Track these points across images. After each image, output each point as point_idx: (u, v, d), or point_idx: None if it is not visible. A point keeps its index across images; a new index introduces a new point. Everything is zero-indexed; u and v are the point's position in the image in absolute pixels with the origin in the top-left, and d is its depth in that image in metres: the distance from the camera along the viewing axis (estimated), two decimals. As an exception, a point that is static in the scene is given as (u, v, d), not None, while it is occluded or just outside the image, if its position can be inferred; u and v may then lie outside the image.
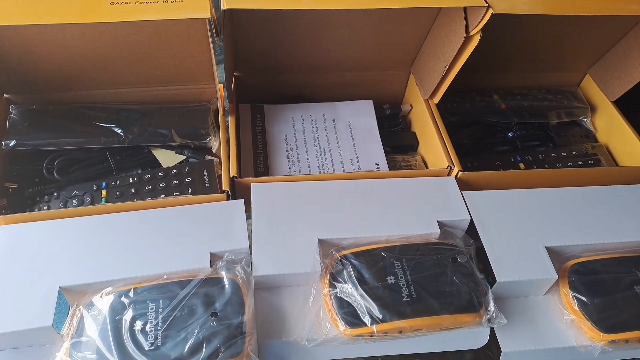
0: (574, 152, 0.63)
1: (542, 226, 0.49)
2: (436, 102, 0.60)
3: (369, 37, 0.58)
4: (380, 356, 0.49)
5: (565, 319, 0.44)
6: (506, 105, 0.66)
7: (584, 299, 0.44)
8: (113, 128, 0.55)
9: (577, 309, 0.44)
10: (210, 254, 0.44)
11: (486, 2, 0.46)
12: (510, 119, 0.65)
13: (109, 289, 0.41)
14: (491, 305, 0.43)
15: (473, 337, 0.45)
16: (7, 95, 0.56)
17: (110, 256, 0.43)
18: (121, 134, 0.55)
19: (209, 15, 0.40)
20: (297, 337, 0.42)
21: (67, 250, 0.43)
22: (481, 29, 0.48)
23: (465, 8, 0.49)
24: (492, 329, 0.44)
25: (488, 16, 0.46)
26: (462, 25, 0.49)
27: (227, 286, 0.42)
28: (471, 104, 0.65)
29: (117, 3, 0.40)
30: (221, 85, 0.59)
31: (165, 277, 0.42)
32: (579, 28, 0.61)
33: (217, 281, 0.42)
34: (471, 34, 0.49)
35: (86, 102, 0.58)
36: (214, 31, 0.43)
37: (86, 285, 0.42)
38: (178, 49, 0.53)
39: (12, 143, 0.52)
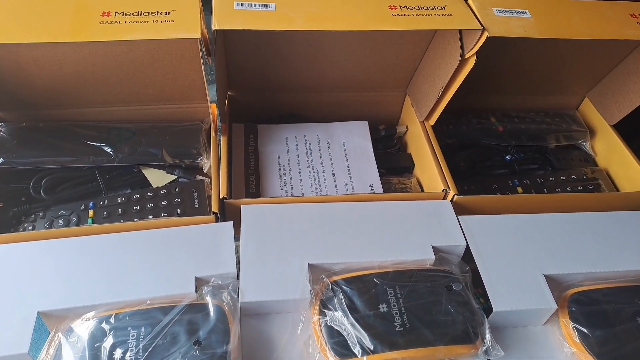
0: (573, 177, 0.62)
1: (540, 253, 0.47)
2: (432, 124, 0.60)
3: (363, 57, 0.58)
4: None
5: (566, 352, 0.43)
6: (503, 128, 0.65)
7: (585, 330, 0.42)
8: (103, 147, 0.54)
9: (578, 341, 0.42)
10: (196, 278, 0.42)
11: (481, 25, 0.45)
12: (508, 141, 0.64)
13: (90, 314, 0.40)
14: (487, 336, 0.41)
15: (469, 369, 0.43)
16: (-3, 113, 0.55)
17: (93, 280, 0.42)
18: (111, 152, 0.54)
19: (199, 36, 0.39)
20: (285, 366, 0.40)
21: (49, 273, 0.42)
22: (477, 52, 0.47)
23: (460, 31, 0.48)
24: (489, 361, 0.42)
25: (483, 39, 0.45)
26: (458, 47, 0.49)
27: (212, 313, 0.40)
28: (468, 126, 0.64)
29: (107, 22, 0.40)
30: (213, 105, 0.58)
31: (149, 302, 0.41)
32: (577, 51, 0.61)
33: (201, 307, 0.40)
34: (466, 56, 0.48)
35: (78, 120, 0.58)
36: (204, 51, 0.43)
37: (66, 310, 0.40)
38: (170, 68, 0.52)
39: (0, 161, 0.51)
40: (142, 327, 0.39)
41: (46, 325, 0.40)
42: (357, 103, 0.65)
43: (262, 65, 0.57)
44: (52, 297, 0.40)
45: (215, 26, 0.40)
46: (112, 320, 0.39)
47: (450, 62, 0.50)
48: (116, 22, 0.40)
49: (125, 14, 0.40)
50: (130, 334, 0.38)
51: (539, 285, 0.44)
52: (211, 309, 0.40)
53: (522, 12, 0.47)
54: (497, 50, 0.58)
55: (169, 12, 0.41)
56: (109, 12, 0.40)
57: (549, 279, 0.45)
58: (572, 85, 0.67)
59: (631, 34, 0.47)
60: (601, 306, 0.44)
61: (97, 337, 0.38)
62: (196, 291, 0.42)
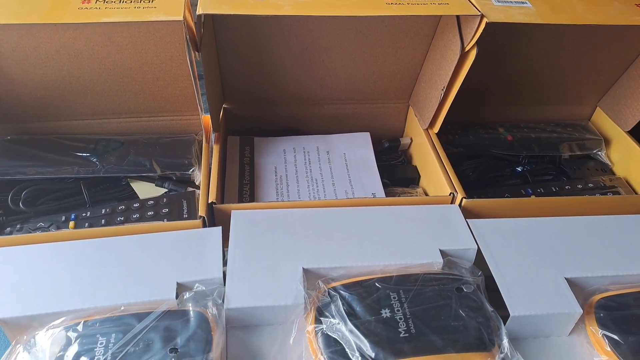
0: (591, 185, 0.58)
1: (560, 256, 0.42)
2: (436, 132, 0.57)
3: (362, 63, 0.56)
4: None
5: (596, 361, 0.37)
6: (513, 137, 0.62)
7: (616, 337, 0.37)
8: (88, 157, 0.52)
9: (609, 349, 0.37)
10: (178, 284, 0.38)
11: (480, 12, 0.43)
12: (518, 151, 0.61)
13: (55, 322, 0.36)
14: (505, 342, 0.36)
15: (487, 385, 0.37)
16: (-19, 126, 0.54)
17: (63, 286, 0.38)
18: (97, 163, 0.51)
19: (181, 18, 0.38)
20: (274, 382, 0.35)
21: (15, 279, 0.38)
22: (477, 43, 0.45)
23: (459, 23, 0.46)
24: (510, 376, 0.37)
25: (482, 26, 0.43)
26: (457, 41, 0.46)
27: (192, 319, 0.36)
28: (475, 135, 0.61)
29: (87, 8, 0.38)
30: (207, 117, 0.56)
31: (122, 308, 0.36)
32: (583, 56, 0.58)
33: (181, 314, 0.36)
34: (467, 48, 0.46)
35: (67, 133, 0.56)
36: (190, 43, 0.41)
37: (30, 317, 0.36)
38: (160, 73, 0.50)
39: (-22, 172, 0.49)
40: (113, 335, 0.34)
41: (7, 335, 0.36)
42: (358, 116, 0.63)
43: (257, 72, 0.56)
44: (15, 304, 0.36)
45: (200, 11, 0.39)
46: (79, 328, 0.35)
47: (450, 58, 0.48)
48: (96, 8, 0.38)
49: (107, 2, 0.39)
50: (99, 342, 0.34)
51: (561, 289, 0.40)
52: (192, 315, 0.36)
53: (522, 3, 0.45)
54: (502, 58, 0.57)
55: (152, 0, 0.40)
56: (89, 0, 0.39)
57: (572, 283, 0.40)
58: (582, 94, 0.64)
59: (638, 20, 0.45)
60: (632, 311, 0.39)
61: (60, 346, 0.34)
62: (177, 298, 0.38)
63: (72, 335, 0.34)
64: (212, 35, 0.49)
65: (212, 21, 0.48)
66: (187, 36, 0.39)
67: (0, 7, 0.38)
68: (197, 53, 0.43)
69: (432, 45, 0.54)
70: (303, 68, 0.56)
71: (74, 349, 0.33)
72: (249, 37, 0.52)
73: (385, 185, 0.55)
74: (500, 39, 0.54)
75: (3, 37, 0.44)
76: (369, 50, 0.54)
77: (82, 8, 0.38)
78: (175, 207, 0.50)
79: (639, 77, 0.58)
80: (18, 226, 0.48)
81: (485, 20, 0.43)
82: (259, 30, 0.51)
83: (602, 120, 0.65)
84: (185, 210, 0.50)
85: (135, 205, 0.50)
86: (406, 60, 0.56)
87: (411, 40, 0.53)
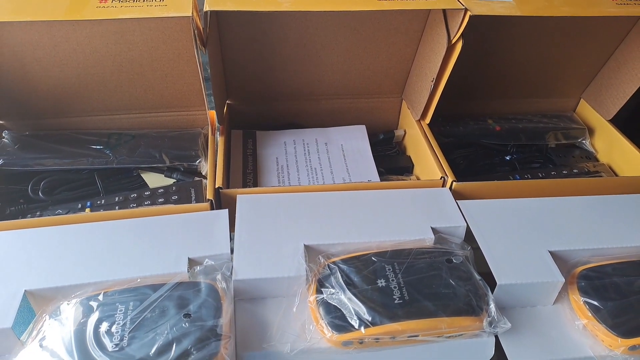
0: (575, 171, 0.61)
1: (544, 232, 0.46)
2: (427, 122, 0.60)
3: (357, 59, 0.59)
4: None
5: (577, 325, 0.40)
6: (501, 127, 0.65)
7: (596, 303, 0.40)
8: (102, 150, 0.55)
9: (590, 315, 0.40)
10: (189, 259, 0.41)
11: (464, 6, 0.47)
12: (506, 140, 0.64)
13: (78, 292, 0.39)
14: (492, 306, 0.39)
15: (476, 349, 0.40)
16: (1, 122, 0.57)
17: (84, 261, 0.41)
18: (109, 154, 0.55)
19: (189, 14, 0.41)
20: (279, 346, 0.38)
21: (40, 256, 0.41)
22: (465, 39, 0.49)
23: (445, 19, 0.50)
24: (498, 341, 0.40)
25: (466, 19, 0.46)
26: (444, 35, 0.50)
27: (203, 289, 0.39)
28: (465, 127, 0.65)
29: (103, 7, 0.42)
30: (212, 112, 0.59)
31: (139, 280, 0.40)
32: (567, 51, 0.62)
33: (193, 285, 0.39)
34: (453, 41, 0.49)
35: (81, 128, 0.59)
36: (198, 40, 0.44)
37: (54, 289, 0.39)
38: (169, 69, 0.54)
39: (0, 163, 0.52)
40: (131, 302, 0.37)
41: (33, 307, 0.39)
42: (354, 110, 0.66)
43: (257, 69, 0.59)
44: (40, 277, 0.39)
45: (206, 7, 0.42)
46: (100, 297, 0.38)
47: (438, 51, 0.52)
48: (112, 6, 0.42)
49: (122, 1, 0.43)
50: (118, 309, 0.37)
51: (544, 260, 0.43)
52: (202, 286, 0.39)
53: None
54: (487, 54, 0.60)
55: (162, -1, 0.43)
56: (106, 0, 0.43)
57: (555, 256, 0.44)
58: (566, 86, 0.68)
59: (613, 11, 0.48)
60: (611, 279, 0.42)
61: (84, 314, 0.37)
62: (188, 272, 0.41)
63: (94, 304, 0.37)
64: (216, 33, 0.53)
65: (216, 19, 0.52)
66: (195, 32, 0.43)
67: (22, 7, 0.42)
68: (204, 48, 0.47)
69: (422, 40, 0.57)
70: (301, 64, 0.59)
71: (96, 315, 0.36)
72: (250, 36, 0.55)
73: (380, 174, 0.59)
74: (486, 35, 0.57)
75: (25, 37, 0.47)
76: (363, 47, 0.58)
77: (99, 7, 0.42)
78: (184, 194, 0.53)
79: (618, 68, 0.62)
80: (38, 213, 0.52)
81: (469, 13, 0.46)
82: (259, 28, 0.54)
83: (586, 111, 0.69)
84: (193, 197, 0.53)
85: (147, 193, 0.53)
86: (398, 55, 0.60)
87: (402, 37, 0.57)
